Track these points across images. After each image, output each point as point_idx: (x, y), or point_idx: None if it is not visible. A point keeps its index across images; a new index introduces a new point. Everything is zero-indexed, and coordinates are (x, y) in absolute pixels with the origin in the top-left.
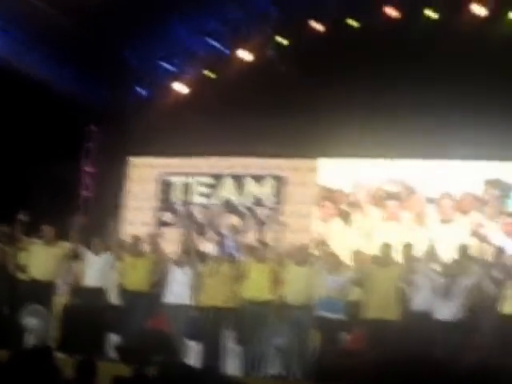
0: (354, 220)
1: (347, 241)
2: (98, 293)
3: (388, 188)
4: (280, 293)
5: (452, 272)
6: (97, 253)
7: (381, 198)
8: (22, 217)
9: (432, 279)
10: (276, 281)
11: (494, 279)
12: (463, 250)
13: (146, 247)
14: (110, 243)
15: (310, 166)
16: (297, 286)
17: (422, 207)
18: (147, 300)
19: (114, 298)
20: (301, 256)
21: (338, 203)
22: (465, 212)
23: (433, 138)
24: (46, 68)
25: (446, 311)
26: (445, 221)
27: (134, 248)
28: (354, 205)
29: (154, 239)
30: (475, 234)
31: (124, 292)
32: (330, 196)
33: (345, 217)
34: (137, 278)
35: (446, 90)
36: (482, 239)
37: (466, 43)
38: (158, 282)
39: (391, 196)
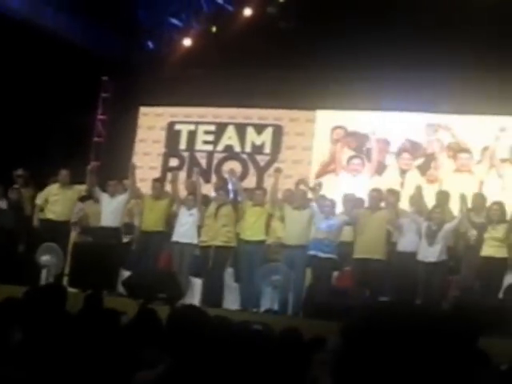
0: (430, 172)
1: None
2: (114, 232)
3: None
4: (277, 234)
5: (436, 217)
6: (112, 194)
7: (454, 151)
8: (19, 173)
9: (418, 223)
10: (272, 223)
11: (474, 224)
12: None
13: (157, 190)
14: (129, 184)
15: (308, 117)
16: (293, 227)
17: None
18: (160, 239)
19: (125, 237)
20: (298, 200)
21: (414, 155)
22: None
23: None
24: (62, 22)
25: (430, 253)
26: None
27: (152, 191)
28: (431, 156)
29: (174, 180)
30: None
31: (140, 232)
32: (409, 148)
33: (421, 168)
34: (153, 219)
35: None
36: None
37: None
38: (170, 222)
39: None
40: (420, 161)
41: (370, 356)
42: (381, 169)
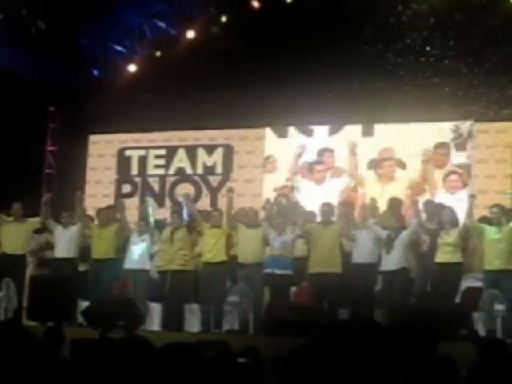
0: None
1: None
2: (69, 263)
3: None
4: (233, 254)
5: (392, 225)
6: (66, 225)
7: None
8: None
9: (376, 232)
10: (229, 243)
11: (427, 230)
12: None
13: (102, 218)
14: (78, 215)
15: (257, 135)
16: (248, 246)
17: None
18: (112, 266)
19: (82, 267)
20: (250, 219)
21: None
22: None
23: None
24: (6, 54)
25: (388, 262)
26: None
27: (100, 218)
28: None
29: (120, 207)
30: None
31: (92, 261)
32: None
33: None
34: (103, 246)
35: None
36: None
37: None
38: (122, 248)
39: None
40: None
41: (325, 376)
42: None
